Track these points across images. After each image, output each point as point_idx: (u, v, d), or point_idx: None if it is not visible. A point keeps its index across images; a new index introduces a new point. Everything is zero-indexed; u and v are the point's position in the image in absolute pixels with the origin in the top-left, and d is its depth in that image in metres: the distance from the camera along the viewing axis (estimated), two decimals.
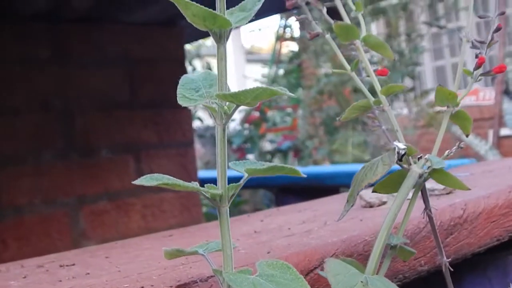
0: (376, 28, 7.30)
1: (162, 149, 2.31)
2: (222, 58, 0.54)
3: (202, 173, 3.18)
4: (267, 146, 6.85)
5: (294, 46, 7.61)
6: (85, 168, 2.11)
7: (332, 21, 0.80)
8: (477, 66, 0.78)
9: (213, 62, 6.96)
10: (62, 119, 2.08)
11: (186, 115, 2.38)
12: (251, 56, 14.35)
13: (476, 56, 0.80)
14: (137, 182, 0.52)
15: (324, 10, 0.82)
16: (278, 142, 6.70)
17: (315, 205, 1.17)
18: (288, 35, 7.50)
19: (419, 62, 6.15)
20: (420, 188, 0.73)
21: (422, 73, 8.37)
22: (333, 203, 1.17)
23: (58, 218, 2.04)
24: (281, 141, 6.66)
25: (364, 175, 0.70)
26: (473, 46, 0.81)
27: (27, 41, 2.04)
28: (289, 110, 7.27)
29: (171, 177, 0.54)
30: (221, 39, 0.54)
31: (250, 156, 6.41)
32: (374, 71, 0.82)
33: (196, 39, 3.04)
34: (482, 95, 7.22)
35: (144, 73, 2.29)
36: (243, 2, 0.57)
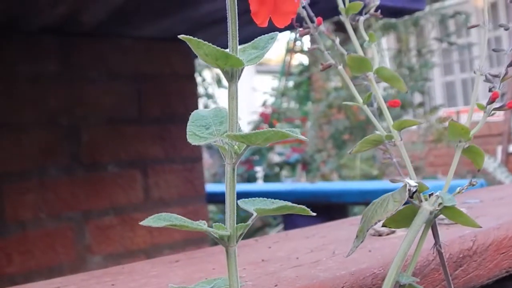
0: (387, 43, 7.29)
1: (169, 164, 2.30)
2: (233, 97, 0.53)
3: (210, 187, 3.17)
4: (275, 158, 6.83)
5: (304, 59, 7.60)
6: (91, 183, 2.11)
7: (345, 52, 0.79)
8: (491, 101, 0.77)
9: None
10: (68, 134, 2.08)
11: None
12: (260, 67, 14.35)
13: (490, 90, 0.80)
14: (144, 223, 0.51)
15: (337, 41, 0.81)
16: (286, 154, 6.69)
17: (323, 231, 1.15)
18: (298, 47, 7.49)
19: (429, 78, 6.14)
20: (430, 224, 0.72)
21: (432, 88, 8.36)
22: (342, 229, 1.15)
23: (63, 233, 2.04)
24: (290, 154, 6.65)
25: (374, 212, 0.69)
26: (487, 80, 0.81)
27: (36, 55, 2.04)
28: (297, 122, 7.26)
29: (179, 217, 0.54)
30: (232, 78, 0.53)
31: (258, 168, 6.40)
32: (386, 102, 0.81)
33: None
34: None
35: (152, 88, 2.29)
36: (256, 39, 0.56)
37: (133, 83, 2.24)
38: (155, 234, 2.24)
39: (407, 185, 0.67)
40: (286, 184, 4.06)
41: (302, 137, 0.50)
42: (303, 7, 0.82)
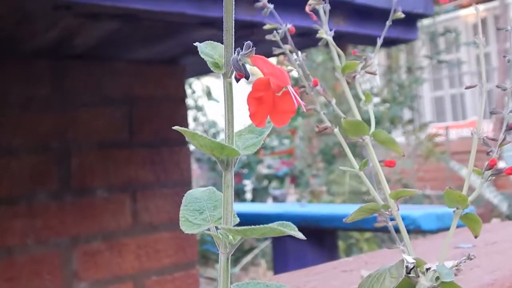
0: (377, 60, 7.30)
1: (159, 188, 2.28)
2: (228, 186, 0.51)
3: None
4: (264, 171, 6.81)
5: (294, 72, 7.59)
6: (79, 208, 2.08)
7: (342, 115, 0.78)
8: (488, 167, 0.76)
9: (212, 83, 6.91)
10: (59, 158, 2.05)
11: (185, 154, 2.35)
12: (252, 78, 14.36)
13: (488, 154, 0.79)
14: None
15: (333, 102, 0.80)
16: (275, 167, 6.68)
17: (315, 279, 1.14)
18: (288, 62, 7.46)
19: (419, 95, 6.15)
20: None
21: (421, 103, 8.39)
22: (333, 278, 1.14)
23: (50, 259, 2.01)
24: (279, 167, 6.63)
25: (371, 286, 0.67)
26: (485, 144, 0.80)
27: (28, 78, 2.02)
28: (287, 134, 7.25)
29: None
30: (228, 167, 0.51)
31: (247, 182, 6.38)
32: (381, 162, 0.80)
33: (198, 75, 3.03)
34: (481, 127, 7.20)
35: (143, 111, 2.27)
36: (251, 124, 0.55)
37: (125, 106, 2.22)
38: (144, 259, 2.22)
39: (405, 261, 0.65)
40: (275, 206, 4.04)
41: (299, 234, 0.48)
42: (299, 65, 0.81)
